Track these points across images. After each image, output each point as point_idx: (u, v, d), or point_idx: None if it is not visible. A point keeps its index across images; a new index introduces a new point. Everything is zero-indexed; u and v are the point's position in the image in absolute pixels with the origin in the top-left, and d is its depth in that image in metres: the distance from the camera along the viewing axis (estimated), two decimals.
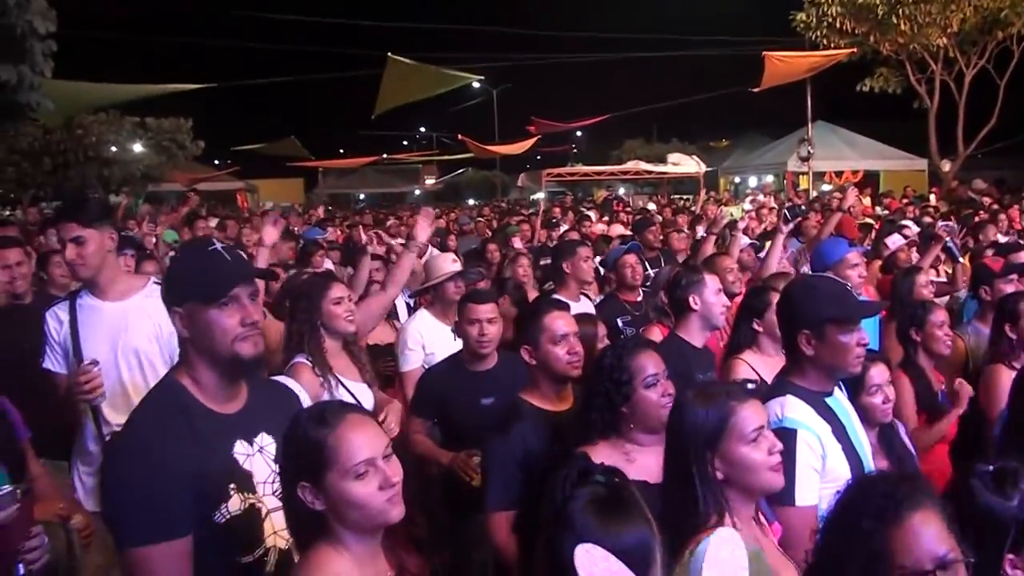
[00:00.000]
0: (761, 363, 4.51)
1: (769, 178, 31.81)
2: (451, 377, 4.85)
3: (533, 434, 3.65)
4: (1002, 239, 9.08)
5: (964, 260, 7.71)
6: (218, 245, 2.77)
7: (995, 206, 13.95)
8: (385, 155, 43.17)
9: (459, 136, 32.57)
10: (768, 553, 2.68)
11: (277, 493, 2.71)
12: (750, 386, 2.87)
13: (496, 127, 49.80)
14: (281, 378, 3.28)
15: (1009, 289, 5.63)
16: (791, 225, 6.90)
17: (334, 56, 38.91)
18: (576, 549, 1.96)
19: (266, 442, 2.82)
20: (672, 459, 2.80)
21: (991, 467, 2.48)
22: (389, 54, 19.08)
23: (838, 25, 23.85)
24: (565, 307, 4.09)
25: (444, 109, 47.31)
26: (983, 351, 5.25)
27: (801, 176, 27.17)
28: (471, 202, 40.77)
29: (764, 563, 1.92)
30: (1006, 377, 4.40)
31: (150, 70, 29.78)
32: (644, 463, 2.83)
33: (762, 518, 2.91)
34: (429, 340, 5.64)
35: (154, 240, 8.98)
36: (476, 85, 36.62)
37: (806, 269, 6.66)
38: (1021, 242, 7.96)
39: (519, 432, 3.63)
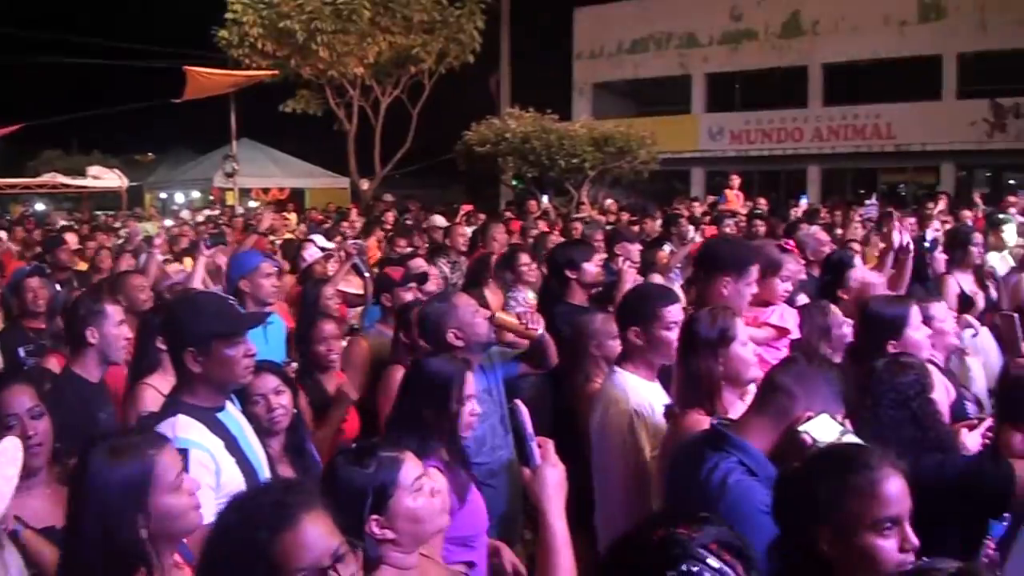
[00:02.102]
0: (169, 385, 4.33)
1: (195, 194, 31.52)
2: None
3: None
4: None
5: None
6: None
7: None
8: None
9: None
10: None
11: None
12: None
13: None
14: None
15: (408, 296, 6.01)
16: (213, 249, 6.90)
17: None
18: None
19: None
20: (85, 521, 2.47)
21: (355, 445, 2.81)
22: None
23: (260, 46, 24.26)
24: None
25: None
26: (386, 353, 5.54)
27: (228, 192, 27.22)
28: None
29: None
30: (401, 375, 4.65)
31: None
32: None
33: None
34: None
35: None
36: None
37: None
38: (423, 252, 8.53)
39: None
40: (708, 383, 3.51)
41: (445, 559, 3.19)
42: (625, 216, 15.28)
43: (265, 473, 3.55)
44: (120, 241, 11.91)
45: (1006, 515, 3.83)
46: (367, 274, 7.61)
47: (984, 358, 6.29)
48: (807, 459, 2.48)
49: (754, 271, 4.68)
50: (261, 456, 3.60)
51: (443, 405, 3.56)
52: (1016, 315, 3.68)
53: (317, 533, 2.11)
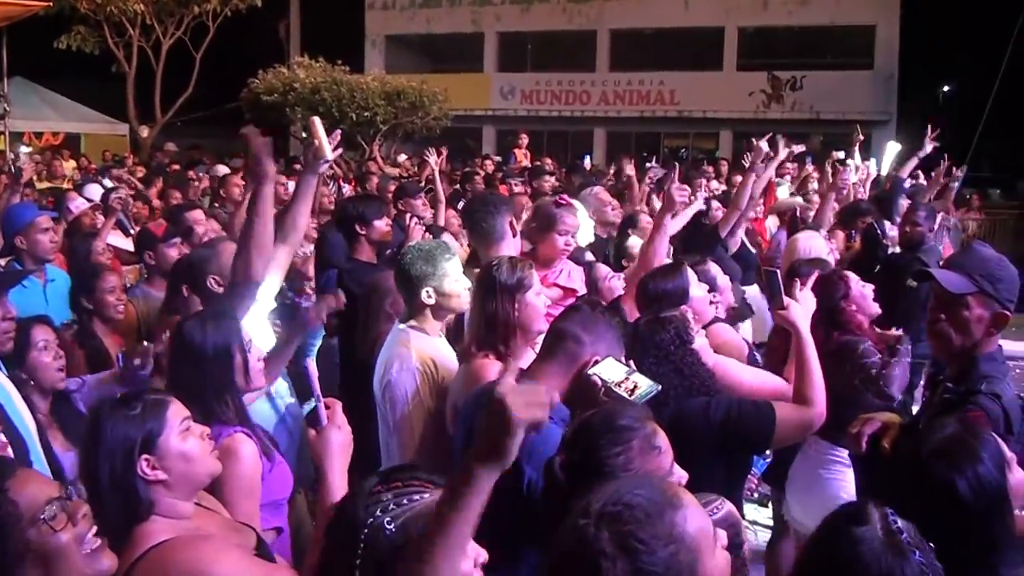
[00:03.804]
0: None
1: None
2: None
3: None
4: None
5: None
6: None
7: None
8: None
9: None
10: None
11: None
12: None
13: None
14: None
15: (173, 252, 5.74)
16: None
17: None
18: None
19: None
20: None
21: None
22: None
23: None
24: None
25: None
26: (154, 316, 5.26)
27: None
28: None
29: None
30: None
31: None
32: None
33: None
34: None
35: None
36: None
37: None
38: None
39: None
40: (503, 327, 3.65)
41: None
42: (427, 172, 15.08)
43: (35, 441, 3.36)
44: None
45: (768, 452, 4.10)
46: (132, 231, 7.30)
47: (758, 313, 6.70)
48: (572, 441, 2.53)
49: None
50: (30, 424, 3.40)
51: (226, 370, 3.33)
52: (777, 269, 3.92)
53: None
